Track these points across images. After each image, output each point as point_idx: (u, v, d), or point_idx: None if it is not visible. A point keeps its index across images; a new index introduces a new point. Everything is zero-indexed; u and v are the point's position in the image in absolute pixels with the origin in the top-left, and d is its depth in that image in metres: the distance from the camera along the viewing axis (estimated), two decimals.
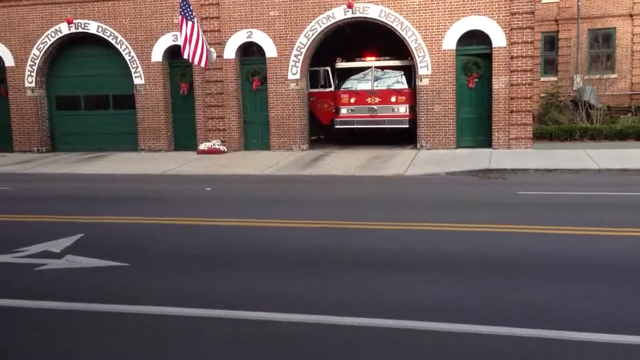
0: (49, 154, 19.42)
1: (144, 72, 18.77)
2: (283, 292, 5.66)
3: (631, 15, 27.14)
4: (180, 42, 16.86)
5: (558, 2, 28.33)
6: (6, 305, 5.42)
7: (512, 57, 16.38)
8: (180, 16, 16.58)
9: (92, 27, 18.85)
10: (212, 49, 17.80)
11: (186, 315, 5.04)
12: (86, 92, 19.84)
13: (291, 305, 5.23)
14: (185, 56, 16.75)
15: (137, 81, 18.88)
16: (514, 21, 16.26)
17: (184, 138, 19.06)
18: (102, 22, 18.75)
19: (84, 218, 9.23)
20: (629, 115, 19.80)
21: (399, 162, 15.25)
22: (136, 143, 19.17)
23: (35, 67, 19.46)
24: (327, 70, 19.20)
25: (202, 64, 17.13)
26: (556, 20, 28.29)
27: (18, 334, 4.80)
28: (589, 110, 18.68)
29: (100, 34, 18.82)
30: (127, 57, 18.78)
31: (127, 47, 18.71)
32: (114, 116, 19.72)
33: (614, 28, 27.52)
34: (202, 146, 18.21)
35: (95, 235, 8.07)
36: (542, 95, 23.01)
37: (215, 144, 18.15)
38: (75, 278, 6.23)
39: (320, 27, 17.42)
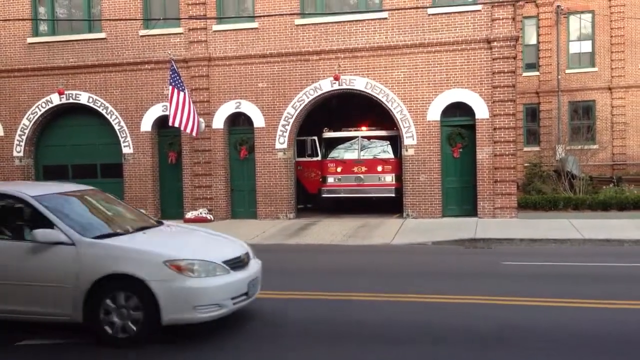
0: None
1: (132, 142, 18.95)
2: None
3: (610, 89, 28.07)
4: (169, 112, 17.10)
5: (539, 76, 29.29)
6: None
7: (495, 129, 16.76)
8: (170, 87, 16.92)
9: (83, 98, 19.14)
10: (202, 119, 18.08)
11: None
12: (74, 162, 19.91)
13: None
14: (177, 124, 16.95)
15: (125, 150, 19.03)
16: (495, 94, 16.73)
17: (171, 207, 19.04)
18: (93, 93, 19.06)
19: None
20: (611, 185, 20.12)
21: (385, 231, 15.27)
22: None
23: (24, 137, 19.59)
24: (314, 140, 19.48)
25: (194, 133, 17.36)
26: (537, 93, 29.16)
27: None
28: (572, 180, 18.98)
29: (91, 105, 19.10)
30: (116, 127, 19.00)
31: (117, 117, 18.96)
32: (102, 185, 19.49)
33: (594, 100, 28.38)
34: (189, 215, 18.17)
35: None
36: (526, 165, 23.41)
37: (202, 212, 18.13)
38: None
39: (308, 98, 17.82)
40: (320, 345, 6.22)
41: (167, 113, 18.22)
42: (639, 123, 27.24)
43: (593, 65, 28.62)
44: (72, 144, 19.77)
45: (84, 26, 19.26)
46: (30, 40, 19.35)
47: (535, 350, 5.87)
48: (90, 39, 18.97)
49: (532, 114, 29.62)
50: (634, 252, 11.94)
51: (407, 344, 6.19)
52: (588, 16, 28.61)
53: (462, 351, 5.92)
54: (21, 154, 19.69)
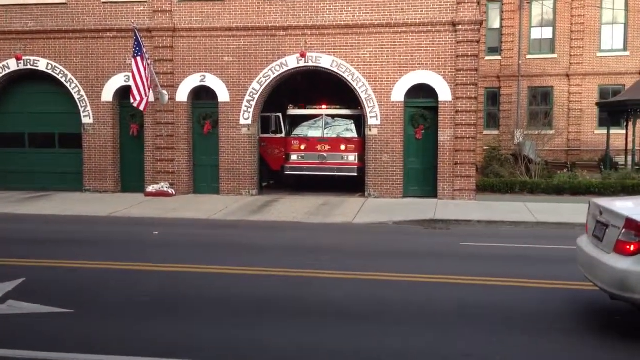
0: None
1: (93, 112, 18.57)
2: (228, 340, 5.65)
3: (568, 75, 28.75)
4: (132, 88, 16.80)
5: (500, 60, 29.76)
6: None
7: (457, 111, 17.06)
8: (133, 59, 16.60)
9: (42, 65, 18.61)
10: (165, 91, 17.84)
11: None
12: (31, 130, 19.42)
13: (237, 355, 5.23)
14: (135, 104, 16.77)
15: (85, 120, 18.65)
16: (459, 77, 16.99)
17: (131, 180, 18.80)
18: (53, 60, 18.54)
19: (25, 261, 8.97)
20: (565, 170, 20.76)
21: (347, 209, 15.48)
22: (81, 183, 18.78)
23: None
24: (279, 117, 19.46)
25: (142, 108, 17.07)
26: (498, 77, 29.65)
27: None
28: (529, 164, 19.51)
29: (50, 72, 18.59)
30: (76, 96, 18.57)
31: (76, 86, 18.52)
32: (60, 155, 19.33)
33: (552, 87, 29.05)
34: (150, 188, 18.00)
35: (38, 279, 7.86)
36: (485, 148, 23.91)
37: (164, 186, 17.98)
38: (16, 324, 6.05)
39: (274, 74, 17.74)
40: (285, 318, 6.35)
41: (129, 84, 17.92)
42: (594, 110, 28.04)
43: (553, 52, 29.23)
44: (30, 112, 19.27)
45: None
46: None
47: (489, 326, 6.14)
48: (50, 4, 18.38)
49: (493, 97, 30.15)
50: None
51: (368, 320, 6.39)
52: (550, 3, 29.13)
53: (423, 327, 6.14)
54: None
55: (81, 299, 7.01)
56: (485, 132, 27.44)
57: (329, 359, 5.26)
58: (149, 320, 6.31)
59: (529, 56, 29.26)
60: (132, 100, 16.88)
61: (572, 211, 14.82)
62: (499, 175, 18.92)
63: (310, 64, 17.56)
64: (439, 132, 17.20)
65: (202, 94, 18.46)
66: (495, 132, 27.95)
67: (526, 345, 5.68)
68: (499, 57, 29.82)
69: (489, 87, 29.76)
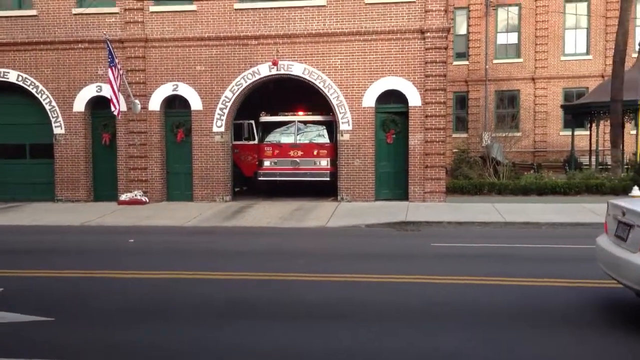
0: None
1: (64, 122, 18.55)
2: (205, 340, 5.85)
3: (533, 79, 29.53)
4: (104, 93, 16.93)
5: (468, 65, 30.43)
6: None
7: (426, 116, 17.46)
8: (109, 68, 16.70)
9: (12, 76, 18.55)
10: (137, 101, 17.92)
11: None
12: (1, 141, 19.30)
13: (214, 355, 5.44)
14: (115, 111, 16.98)
15: (57, 131, 18.61)
16: (428, 83, 17.41)
17: (104, 189, 18.82)
18: (23, 71, 18.49)
19: (1, 272, 9.02)
20: (531, 171, 21.33)
21: (320, 214, 15.73)
22: (53, 193, 18.73)
23: None
24: (252, 124, 19.66)
25: (118, 114, 17.31)
26: (466, 82, 30.31)
27: None
28: (497, 166, 20.02)
29: (20, 83, 18.53)
30: (47, 107, 18.53)
31: (47, 97, 18.49)
32: (31, 166, 19.25)
33: (518, 90, 29.82)
34: (124, 197, 18.04)
35: (15, 289, 7.94)
36: (454, 151, 24.42)
37: (137, 194, 18.03)
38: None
39: (246, 82, 17.96)
40: (260, 320, 6.56)
41: (101, 94, 18.09)
42: (559, 113, 28.83)
43: (519, 56, 30.00)
44: (0, 123, 19.13)
45: (13, 2, 18.64)
46: None
47: (457, 324, 6.45)
48: (20, 16, 18.40)
49: (462, 101, 30.79)
50: (550, 234, 12.89)
51: (343, 320, 6.63)
52: (515, 9, 29.92)
53: (396, 324, 6.41)
54: None
55: (61, 307, 7.12)
56: (454, 135, 28.00)
57: (302, 358, 5.49)
58: (129, 326, 6.46)
59: (495, 61, 29.98)
60: (112, 109, 17.03)
61: (538, 211, 15.32)
62: (468, 177, 19.38)
63: (282, 71, 17.82)
64: (409, 136, 17.58)
65: (175, 103, 18.58)
66: (464, 135, 28.58)
67: (488, 338, 6.00)
68: (466, 62, 30.49)
69: (457, 92, 30.40)
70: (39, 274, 8.99)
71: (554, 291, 7.76)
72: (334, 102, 17.70)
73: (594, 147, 23.99)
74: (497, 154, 21.03)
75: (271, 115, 19.68)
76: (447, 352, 5.60)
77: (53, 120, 18.57)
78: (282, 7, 17.65)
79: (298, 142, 19.08)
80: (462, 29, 30.89)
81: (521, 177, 19.39)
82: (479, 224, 14.10)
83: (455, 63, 29.93)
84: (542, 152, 29.09)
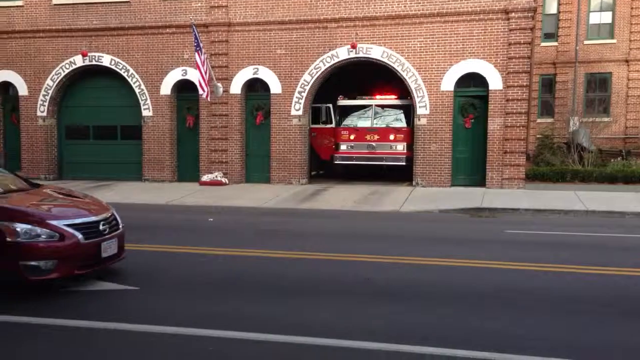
0: (56, 182, 19.97)
1: (152, 105, 19.47)
2: (279, 315, 6.13)
3: (627, 61, 27.92)
4: (198, 80, 17.72)
5: (556, 46, 29.16)
6: (34, 322, 5.90)
7: (507, 100, 17.01)
8: (196, 52, 17.40)
9: (106, 60, 19.63)
10: (219, 84, 18.52)
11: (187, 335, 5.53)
12: (95, 123, 20.52)
13: (302, 329, 5.70)
14: (204, 95, 17.68)
15: (145, 113, 19.57)
16: (510, 65, 16.93)
17: (187, 169, 19.65)
18: (115, 56, 19.53)
19: None
20: (619, 158, 20.32)
21: (395, 198, 15.76)
22: (141, 173, 19.75)
23: (47, 97, 20.19)
24: (329, 107, 19.85)
25: (208, 98, 18.00)
26: (554, 64, 29.08)
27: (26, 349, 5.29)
28: (582, 152, 19.24)
29: (113, 67, 19.59)
30: (137, 90, 19.51)
31: (137, 80, 19.45)
32: (121, 146, 20.37)
33: (610, 73, 28.29)
34: (205, 177, 18.77)
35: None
36: (538, 136, 23.61)
37: (218, 175, 18.70)
38: (94, 299, 6.76)
39: (325, 65, 18.14)
40: (330, 297, 6.78)
41: (186, 77, 18.81)
42: None
43: (612, 37, 28.42)
44: (94, 105, 20.35)
45: None
46: (55, 1, 19.81)
47: (526, 308, 6.39)
48: (114, 2, 19.37)
49: (548, 84, 29.60)
50: (634, 224, 12.33)
51: (411, 301, 6.73)
52: None
53: (465, 308, 6.44)
54: (44, 114, 20.32)
55: (145, 278, 7.65)
56: (539, 120, 27.04)
57: (369, 334, 5.64)
58: (209, 297, 6.87)
59: (586, 42, 28.56)
60: (200, 92, 17.79)
61: (624, 200, 14.66)
62: (550, 164, 18.75)
63: (360, 55, 17.85)
64: (488, 121, 17.21)
65: (255, 86, 19.06)
66: (550, 120, 27.48)
67: (557, 324, 5.91)
68: (555, 43, 29.23)
69: (544, 74, 29.24)
70: (127, 247, 9.59)
71: (635, 281, 7.52)
72: (412, 85, 17.57)
73: None
74: (584, 140, 20.18)
75: (348, 99, 19.79)
76: (515, 335, 5.59)
77: (142, 102, 19.54)
78: None
79: (375, 126, 19.11)
80: (551, 9, 29.58)
81: (608, 164, 18.54)
82: (558, 212, 13.69)
83: (542, 44, 28.79)
84: (634, 138, 27.52)
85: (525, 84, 17.08)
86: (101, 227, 7.16)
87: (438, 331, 5.70)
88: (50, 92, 20.15)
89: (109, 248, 7.22)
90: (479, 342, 5.35)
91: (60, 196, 8.09)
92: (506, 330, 5.76)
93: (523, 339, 5.50)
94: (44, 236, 6.60)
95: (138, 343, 5.42)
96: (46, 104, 20.24)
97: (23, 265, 6.49)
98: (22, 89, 20.42)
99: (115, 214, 7.78)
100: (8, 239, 6.45)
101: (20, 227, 6.52)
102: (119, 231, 7.56)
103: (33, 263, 6.52)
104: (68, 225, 6.82)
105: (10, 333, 5.66)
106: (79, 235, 6.81)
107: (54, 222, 6.75)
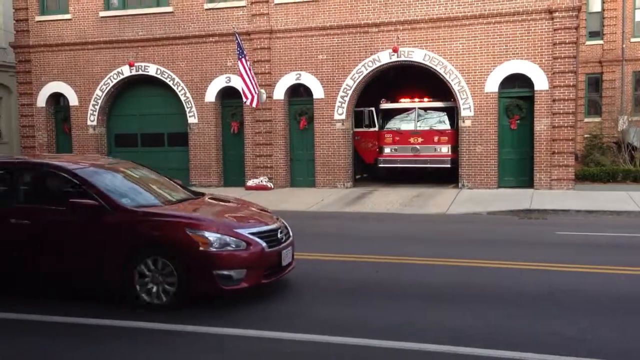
0: None
1: (197, 112, 19.84)
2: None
3: None
4: (242, 87, 17.98)
5: (602, 44, 28.52)
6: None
7: (554, 100, 16.74)
8: (239, 60, 17.68)
9: (152, 70, 20.11)
10: (262, 90, 18.76)
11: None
12: (143, 130, 21.02)
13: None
14: (247, 102, 17.97)
15: (190, 120, 19.96)
16: (556, 65, 16.66)
17: (233, 174, 19.93)
18: (161, 65, 19.99)
19: None
20: None
21: (440, 200, 15.66)
22: (188, 179, 20.12)
23: (97, 107, 20.78)
24: (372, 111, 19.87)
25: (254, 104, 18.22)
26: (600, 62, 28.43)
27: None
28: (632, 152, 18.75)
29: (159, 76, 20.05)
30: (182, 98, 19.92)
31: (182, 88, 19.86)
32: (168, 153, 20.80)
33: None
34: (250, 182, 19.02)
35: None
36: (586, 136, 23.11)
37: (263, 180, 18.92)
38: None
39: (366, 70, 18.18)
40: (384, 299, 6.82)
41: (230, 84, 19.11)
42: None
43: None
44: (141, 114, 20.85)
45: (152, 0, 20.11)
46: (102, 14, 20.38)
47: (579, 310, 6.30)
48: (158, 13, 19.82)
49: (595, 84, 28.94)
50: None
51: (463, 303, 6.71)
52: None
53: (515, 309, 6.40)
54: (94, 123, 20.92)
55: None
56: (585, 120, 26.44)
57: (422, 334, 5.66)
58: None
59: (633, 39, 27.81)
60: (244, 100, 18.05)
61: None
62: (599, 164, 18.33)
63: (402, 58, 17.84)
64: (535, 122, 16.96)
65: (298, 92, 19.22)
66: (597, 120, 26.84)
67: (611, 325, 5.81)
68: (600, 42, 28.57)
69: (590, 73, 28.59)
70: None
71: None
72: (455, 87, 17.45)
73: None
74: (634, 139, 19.69)
75: (391, 102, 19.77)
76: (568, 336, 5.52)
77: (187, 110, 19.93)
78: None
79: (418, 128, 19.03)
80: (595, 7, 28.93)
81: None
82: (610, 213, 13.39)
83: (587, 43, 28.18)
84: None
85: (571, 83, 16.78)
86: (279, 235, 7.12)
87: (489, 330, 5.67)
88: (99, 101, 20.73)
89: (286, 256, 7.18)
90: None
91: (230, 204, 7.94)
92: (558, 330, 5.69)
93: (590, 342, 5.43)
94: (233, 245, 6.55)
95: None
96: (96, 113, 20.83)
97: (217, 275, 6.44)
98: (73, 99, 21.08)
99: (285, 222, 7.65)
100: (201, 249, 6.41)
101: (212, 236, 6.48)
102: (291, 239, 7.50)
103: (225, 272, 6.46)
104: (253, 234, 6.77)
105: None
106: (264, 244, 6.76)
107: (241, 231, 6.71)
